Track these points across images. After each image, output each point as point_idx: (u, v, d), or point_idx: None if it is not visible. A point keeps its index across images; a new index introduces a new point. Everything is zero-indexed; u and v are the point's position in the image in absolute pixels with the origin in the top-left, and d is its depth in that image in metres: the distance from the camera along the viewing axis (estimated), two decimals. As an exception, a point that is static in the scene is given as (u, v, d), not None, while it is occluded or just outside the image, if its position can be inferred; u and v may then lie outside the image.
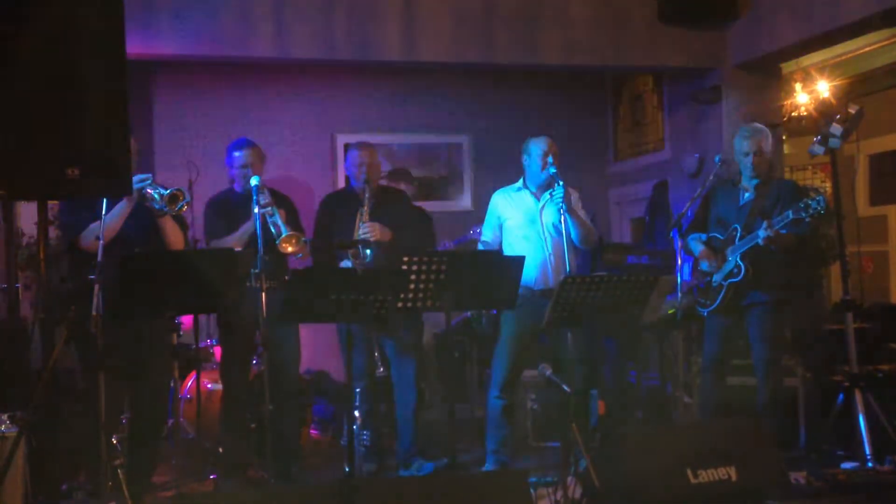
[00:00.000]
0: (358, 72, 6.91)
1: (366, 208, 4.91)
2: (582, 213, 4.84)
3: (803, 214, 4.35)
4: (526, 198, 4.89)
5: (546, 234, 4.78)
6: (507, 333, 4.86)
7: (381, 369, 5.04)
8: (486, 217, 5.02)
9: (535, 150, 4.82)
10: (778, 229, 4.43)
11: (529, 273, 4.68)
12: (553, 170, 4.67)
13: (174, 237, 4.35)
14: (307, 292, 3.97)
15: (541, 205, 4.84)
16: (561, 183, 4.59)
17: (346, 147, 5.23)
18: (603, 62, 6.21)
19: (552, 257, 4.75)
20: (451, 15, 5.83)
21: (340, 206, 5.11)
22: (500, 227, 4.92)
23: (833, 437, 4.76)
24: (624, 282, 4.14)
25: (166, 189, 4.14)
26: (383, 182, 5.85)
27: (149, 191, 4.13)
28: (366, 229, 4.83)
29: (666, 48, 6.19)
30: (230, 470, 4.71)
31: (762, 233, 4.46)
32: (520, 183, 4.92)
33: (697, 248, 4.84)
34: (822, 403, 4.88)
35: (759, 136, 4.77)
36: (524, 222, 4.84)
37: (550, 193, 4.68)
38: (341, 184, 7.09)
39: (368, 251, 4.76)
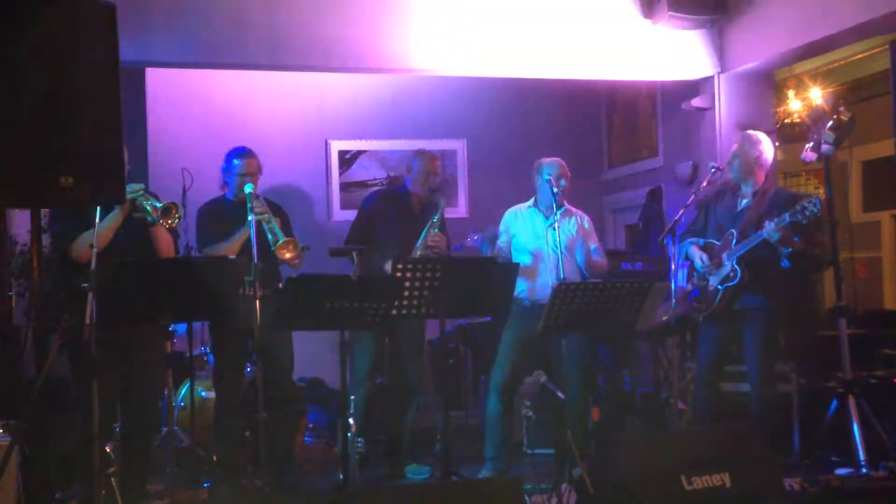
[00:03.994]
0: (352, 77, 6.91)
1: (439, 218, 5.01)
2: (594, 242, 5.01)
3: (799, 217, 4.36)
4: (535, 217, 4.99)
5: (550, 252, 4.83)
6: (508, 339, 4.92)
7: (378, 378, 5.06)
8: (500, 228, 5.14)
9: (545, 174, 4.92)
10: (782, 227, 4.43)
11: (530, 287, 4.85)
12: (555, 193, 4.80)
13: (165, 245, 4.34)
14: (301, 300, 3.96)
15: (547, 225, 4.89)
16: (557, 216, 4.74)
17: (417, 153, 5.28)
18: (597, 73, 6.22)
19: (554, 275, 4.78)
20: (446, 24, 5.83)
21: (392, 207, 5.18)
22: (510, 239, 5.05)
23: (827, 444, 4.77)
24: (618, 288, 4.14)
25: (159, 202, 4.14)
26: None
27: (141, 202, 4.13)
28: (436, 240, 4.94)
29: (659, 57, 6.20)
30: (224, 478, 4.69)
31: (771, 229, 4.43)
32: (531, 202, 5.04)
33: (693, 252, 4.85)
34: (817, 409, 4.89)
35: (742, 140, 4.84)
36: (531, 239, 4.94)
37: (557, 216, 4.78)
38: (336, 189, 7.11)
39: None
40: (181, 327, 5.36)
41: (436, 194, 5.15)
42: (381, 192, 5.42)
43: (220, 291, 4.05)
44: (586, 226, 5.02)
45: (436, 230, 4.99)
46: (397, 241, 5.03)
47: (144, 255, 4.27)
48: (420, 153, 5.30)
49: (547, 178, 4.86)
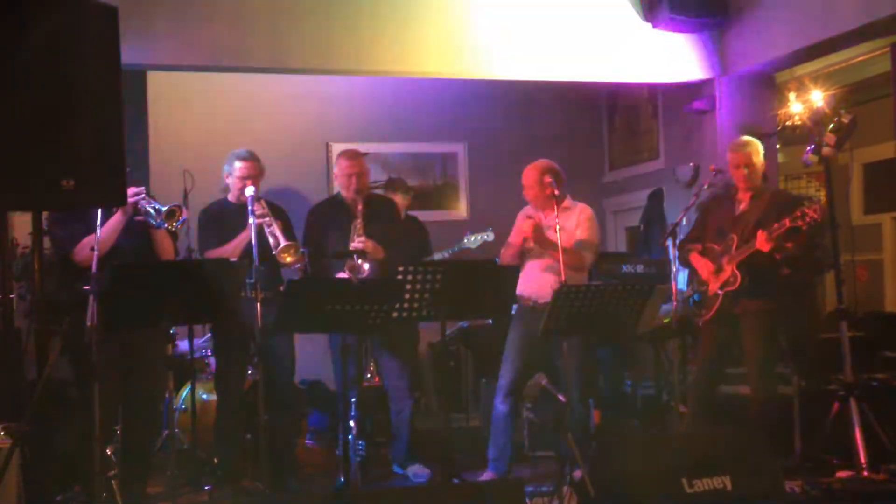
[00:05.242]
0: (353, 81, 6.92)
1: (359, 221, 4.91)
2: (578, 233, 4.84)
3: (799, 223, 4.36)
4: (535, 216, 4.94)
5: (546, 252, 4.80)
6: (512, 341, 4.92)
7: (369, 376, 5.04)
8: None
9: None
10: (776, 236, 4.44)
11: (532, 287, 4.80)
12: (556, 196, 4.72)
13: (165, 248, 4.35)
14: (302, 303, 3.96)
15: (544, 225, 4.87)
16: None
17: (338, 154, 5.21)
18: (597, 76, 6.23)
19: (550, 273, 4.76)
20: (447, 27, 5.84)
21: (330, 215, 5.10)
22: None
23: (828, 446, 4.76)
24: (619, 291, 4.14)
25: (162, 205, 4.14)
26: (379, 191, 5.86)
27: (144, 205, 4.13)
28: (358, 245, 4.84)
29: (660, 60, 6.20)
30: (225, 481, 4.70)
31: (762, 240, 4.45)
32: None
33: (697, 262, 4.84)
34: (818, 412, 4.88)
35: (750, 148, 4.79)
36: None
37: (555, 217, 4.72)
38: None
39: (367, 265, 4.77)
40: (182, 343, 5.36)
41: (359, 194, 4.99)
42: (318, 203, 5.36)
43: (222, 294, 4.06)
44: (581, 219, 4.87)
45: (358, 233, 4.87)
46: (343, 247, 4.92)
47: (145, 257, 4.28)
48: (339, 153, 5.18)
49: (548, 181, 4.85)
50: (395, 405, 5.11)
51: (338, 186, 5.19)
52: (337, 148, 7.13)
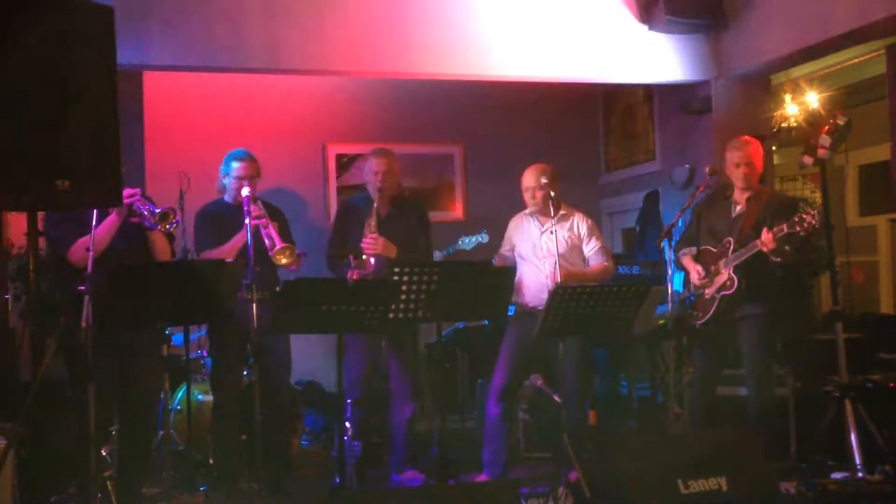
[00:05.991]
0: (349, 81, 6.92)
1: (373, 219, 4.93)
2: (592, 244, 4.92)
3: (798, 228, 4.36)
4: (531, 224, 4.99)
5: (544, 259, 4.84)
6: (508, 343, 4.93)
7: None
8: (505, 236, 5.15)
9: (522, 183, 4.93)
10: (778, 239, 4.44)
11: (528, 294, 4.85)
12: (552, 198, 4.75)
13: (161, 249, 4.35)
14: (298, 303, 3.96)
15: (540, 231, 4.90)
16: (553, 223, 4.71)
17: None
18: (594, 76, 6.23)
19: (548, 280, 4.78)
20: (444, 28, 5.84)
21: (355, 211, 5.12)
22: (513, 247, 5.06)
23: (823, 448, 4.77)
24: (615, 292, 4.14)
25: (156, 207, 4.15)
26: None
27: (139, 207, 4.13)
28: (368, 243, 4.85)
29: (656, 62, 6.21)
30: (221, 482, 4.70)
31: (768, 240, 4.44)
32: (529, 209, 5.02)
33: (689, 265, 4.83)
34: (813, 413, 4.89)
35: (750, 147, 4.79)
36: (527, 248, 4.95)
37: (552, 223, 4.75)
38: (332, 194, 7.10)
39: (372, 260, 4.77)
40: (177, 338, 5.36)
41: (381, 192, 5.00)
42: (346, 199, 5.39)
43: (218, 295, 4.06)
44: (583, 230, 4.94)
45: (373, 230, 4.90)
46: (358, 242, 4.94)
47: (141, 258, 4.28)
48: (371, 151, 5.20)
49: (523, 188, 4.86)
50: (397, 408, 5.09)
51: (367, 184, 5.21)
52: (333, 149, 7.15)
